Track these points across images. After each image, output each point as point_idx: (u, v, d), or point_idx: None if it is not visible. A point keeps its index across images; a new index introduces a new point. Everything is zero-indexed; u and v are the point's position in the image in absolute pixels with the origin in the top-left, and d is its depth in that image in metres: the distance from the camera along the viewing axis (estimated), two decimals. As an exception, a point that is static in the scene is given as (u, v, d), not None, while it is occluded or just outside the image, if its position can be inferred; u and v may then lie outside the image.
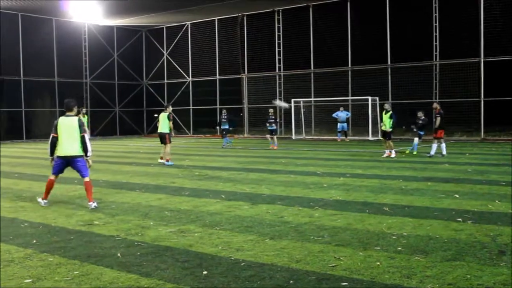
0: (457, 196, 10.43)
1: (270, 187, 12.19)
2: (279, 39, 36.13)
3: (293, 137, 33.03)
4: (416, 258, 6.14)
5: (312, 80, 34.54)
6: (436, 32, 29.83)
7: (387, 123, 19.64)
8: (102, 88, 41.09)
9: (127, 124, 42.83)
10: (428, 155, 19.12)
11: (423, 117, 20.58)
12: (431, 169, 15.29)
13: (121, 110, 42.56)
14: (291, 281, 5.44)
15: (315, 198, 10.57)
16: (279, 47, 36.18)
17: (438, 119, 19.37)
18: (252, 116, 37.59)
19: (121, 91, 42.72)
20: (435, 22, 29.75)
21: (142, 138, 39.74)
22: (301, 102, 33.65)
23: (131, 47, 43.29)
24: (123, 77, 42.85)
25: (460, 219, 8.19)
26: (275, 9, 35.74)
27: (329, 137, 31.88)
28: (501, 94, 27.81)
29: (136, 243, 7.13)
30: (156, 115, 19.44)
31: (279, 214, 8.95)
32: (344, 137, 30.48)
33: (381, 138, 20.30)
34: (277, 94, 35.85)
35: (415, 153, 20.26)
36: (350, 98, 32.29)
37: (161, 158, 18.86)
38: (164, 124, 18.74)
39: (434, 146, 19.39)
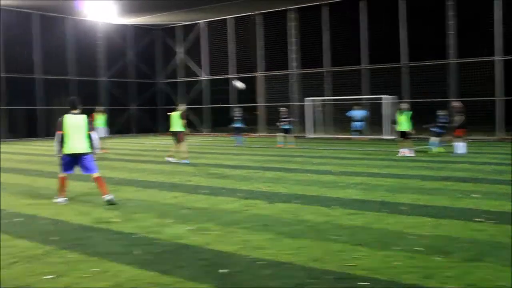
0: (476, 196, 10.34)
1: (287, 186, 12.18)
2: (293, 37, 36.03)
3: (308, 135, 32.96)
4: (436, 258, 6.10)
5: (327, 79, 34.40)
6: (451, 31, 29.58)
7: (405, 123, 19.52)
8: (117, 87, 41.32)
9: (142, 122, 43.01)
10: (455, 154, 18.97)
11: (445, 116, 20.42)
12: (449, 168, 15.18)
13: (136, 108, 42.75)
14: (309, 280, 5.44)
15: (332, 197, 10.54)
16: (293, 45, 36.09)
17: (460, 117, 19.23)
18: (267, 114, 37.54)
19: (136, 89, 42.92)
20: (451, 20, 29.50)
21: (158, 136, 39.89)
22: (315, 100, 33.56)
23: (145, 46, 43.44)
24: (137, 76, 43.04)
25: (479, 219, 8.12)
26: (289, 7, 35.65)
27: (344, 135, 31.75)
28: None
29: (154, 241, 7.16)
30: (169, 113, 19.49)
31: (297, 213, 8.94)
32: (359, 136, 30.33)
33: (398, 138, 20.17)
34: (292, 93, 35.83)
35: (438, 151, 20.10)
36: (364, 96, 32.12)
37: (170, 156, 18.88)
38: (176, 122, 18.80)
39: (460, 144, 19.27)
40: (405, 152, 19.31)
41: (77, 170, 10.58)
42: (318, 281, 5.42)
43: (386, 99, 30.02)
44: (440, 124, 20.48)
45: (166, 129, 19.50)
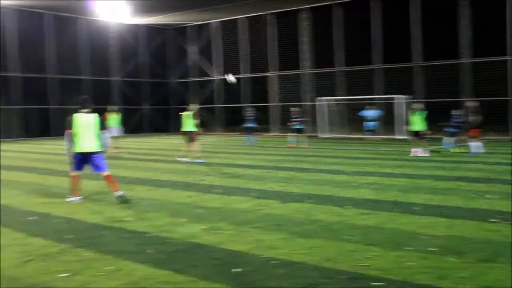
0: (490, 196, 10.27)
1: (300, 186, 12.17)
2: (306, 37, 35.98)
3: (320, 135, 32.90)
4: (450, 259, 6.07)
5: (339, 78, 34.30)
6: (465, 30, 29.41)
7: (418, 123, 19.44)
8: (129, 86, 41.50)
9: (155, 122, 43.17)
10: (471, 154, 18.87)
11: (459, 116, 20.31)
12: (462, 168, 15.10)
13: (148, 108, 42.91)
14: (322, 280, 5.44)
15: (345, 197, 10.52)
16: (306, 45, 36.04)
17: (476, 117, 19.13)
18: (280, 114, 37.53)
19: (149, 89, 43.10)
20: (465, 20, 29.33)
21: (170, 136, 40.00)
22: (328, 100, 33.49)
23: (158, 46, 43.58)
24: (150, 76, 43.22)
25: (493, 220, 8.07)
26: (301, 7, 35.60)
27: (357, 135, 31.65)
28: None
29: (167, 240, 7.19)
30: (180, 113, 19.56)
31: (309, 213, 8.93)
32: (372, 136, 30.22)
33: (411, 138, 20.10)
34: (304, 93, 35.79)
35: (454, 151, 20.01)
36: (377, 96, 32.00)
37: (181, 156, 18.93)
38: (188, 122, 18.85)
39: (476, 144, 19.18)
40: (418, 152, 19.22)
41: (87, 168, 10.66)
42: (331, 281, 5.42)
43: (400, 99, 29.88)
44: (454, 124, 20.37)
45: (178, 128, 19.55)
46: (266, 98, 38.29)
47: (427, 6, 30.40)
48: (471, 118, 19.61)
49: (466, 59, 29.56)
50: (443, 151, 20.45)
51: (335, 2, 33.80)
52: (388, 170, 14.88)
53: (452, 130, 20.43)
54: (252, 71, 39.06)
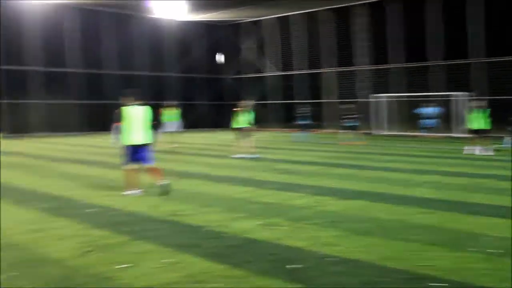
0: (555, 197, 9.91)
1: (355, 183, 12.04)
2: (361, 33, 35.52)
3: (375, 132, 32.44)
4: (513, 261, 5.89)
5: (396, 75, 33.72)
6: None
7: (479, 121, 18.91)
8: (185, 82, 42.02)
9: (210, 117, 43.54)
10: None
11: None
12: (525, 168, 14.61)
13: (204, 103, 43.33)
14: (378, 279, 5.36)
15: (402, 195, 10.34)
16: (362, 41, 35.59)
17: None
18: (334, 111, 37.21)
19: (205, 85, 43.52)
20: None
21: (225, 131, 40.25)
22: (383, 97, 32.99)
23: (213, 42, 43.93)
24: (206, 72, 43.63)
25: (559, 222, 7.78)
26: (358, 3, 35.15)
27: (413, 133, 31.06)
28: None
29: (223, 235, 7.24)
30: (235, 109, 19.66)
31: (366, 210, 8.83)
32: (429, 133, 29.56)
33: (470, 136, 19.60)
34: (360, 89, 35.39)
35: None
36: (436, 93, 31.27)
37: (237, 151, 19.02)
38: (241, 118, 18.95)
39: None
40: (475, 150, 18.74)
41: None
42: (388, 280, 5.34)
43: (459, 96, 29.10)
44: None
45: (233, 124, 19.68)
46: (320, 94, 38.04)
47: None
48: None
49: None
50: (504, 150, 19.82)
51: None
52: (447, 169, 14.55)
53: None
54: (308, 67, 38.85)
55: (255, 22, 42.26)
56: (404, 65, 33.27)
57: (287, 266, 5.78)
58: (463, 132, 27.84)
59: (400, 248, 6.46)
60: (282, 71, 40.70)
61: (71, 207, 9.48)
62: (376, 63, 34.82)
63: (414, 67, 32.60)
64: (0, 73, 32.63)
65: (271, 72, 41.37)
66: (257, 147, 19.71)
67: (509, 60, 28.87)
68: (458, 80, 29.87)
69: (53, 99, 34.88)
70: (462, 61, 30.61)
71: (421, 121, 29.67)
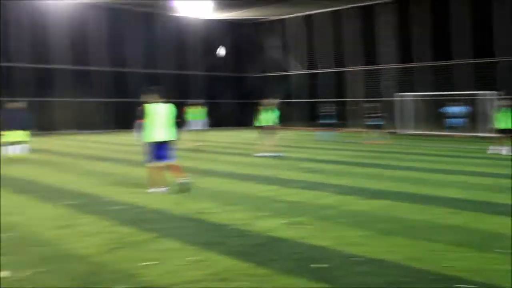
0: None
1: (380, 182, 11.96)
2: (386, 32, 35.25)
3: (400, 131, 32.18)
4: (541, 263, 5.80)
5: (421, 74, 33.40)
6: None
7: (505, 120, 18.65)
8: (210, 81, 42.18)
9: (234, 116, 43.63)
10: None
11: None
12: (554, 169, 14.38)
13: (229, 102, 43.43)
14: (404, 279, 5.33)
15: (428, 194, 10.24)
16: (388, 39, 35.32)
17: None
18: (359, 110, 37.01)
19: (229, 83, 43.64)
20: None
21: (250, 130, 40.30)
22: (408, 96, 32.71)
23: (238, 40, 44.01)
24: (230, 70, 43.73)
25: None
26: (382, 1, 34.88)
27: (439, 132, 30.75)
28: None
29: (247, 233, 7.26)
30: (259, 107, 19.69)
31: (391, 210, 8.77)
32: (455, 133, 29.24)
33: (496, 135, 19.34)
34: (385, 88, 35.14)
35: None
36: (462, 92, 30.88)
37: (260, 150, 19.02)
38: (267, 117, 18.96)
39: None
40: (502, 150, 18.49)
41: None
42: (413, 280, 5.31)
43: (487, 95, 28.70)
44: None
45: (257, 123, 19.71)
46: (345, 93, 37.87)
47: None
48: None
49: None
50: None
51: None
52: (474, 169, 14.39)
53: None
54: (333, 66, 38.70)
55: (280, 20, 42.22)
56: (430, 63, 32.95)
57: (312, 265, 5.78)
58: (490, 132, 27.47)
59: (425, 248, 6.41)
60: (307, 69, 40.61)
61: (97, 204, 9.59)
62: (402, 61, 34.53)
63: (440, 66, 32.25)
64: (28, 71, 33.18)
65: (296, 70, 41.30)
66: (281, 146, 19.71)
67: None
68: (485, 78, 29.47)
69: (79, 97, 35.37)
70: (490, 60, 30.19)
71: (447, 120, 29.34)
